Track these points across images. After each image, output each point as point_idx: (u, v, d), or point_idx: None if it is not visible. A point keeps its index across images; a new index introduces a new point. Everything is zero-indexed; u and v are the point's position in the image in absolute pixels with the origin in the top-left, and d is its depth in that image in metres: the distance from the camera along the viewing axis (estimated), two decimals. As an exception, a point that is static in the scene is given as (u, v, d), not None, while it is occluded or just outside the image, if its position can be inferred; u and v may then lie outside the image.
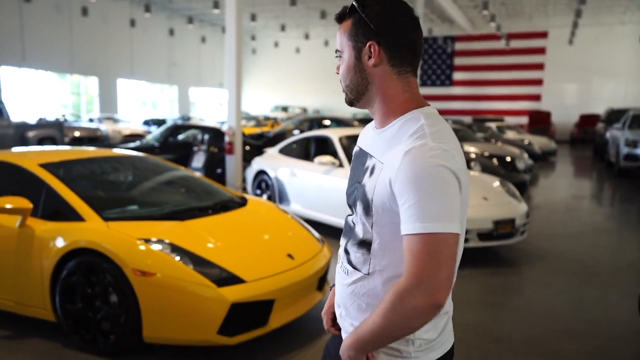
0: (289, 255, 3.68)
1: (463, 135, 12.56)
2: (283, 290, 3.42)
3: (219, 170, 9.87)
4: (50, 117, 19.88)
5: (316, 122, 15.87)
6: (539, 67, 29.68)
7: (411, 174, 1.17)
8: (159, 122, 22.78)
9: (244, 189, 8.88)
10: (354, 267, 1.37)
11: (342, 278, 1.42)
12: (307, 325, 3.88)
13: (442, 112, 1.51)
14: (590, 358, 3.53)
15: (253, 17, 24.90)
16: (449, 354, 1.40)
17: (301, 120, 16.11)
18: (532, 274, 5.35)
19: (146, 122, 23.12)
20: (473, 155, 10.01)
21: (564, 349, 3.63)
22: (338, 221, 6.37)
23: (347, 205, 1.45)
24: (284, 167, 7.38)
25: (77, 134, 16.85)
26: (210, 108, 36.54)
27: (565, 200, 9.98)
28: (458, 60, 31.48)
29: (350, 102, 1.41)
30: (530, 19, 28.52)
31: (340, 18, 1.37)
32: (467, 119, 23.95)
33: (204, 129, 11.23)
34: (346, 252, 1.41)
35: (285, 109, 33.34)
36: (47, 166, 3.84)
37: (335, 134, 7.01)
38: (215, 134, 10.72)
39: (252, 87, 36.62)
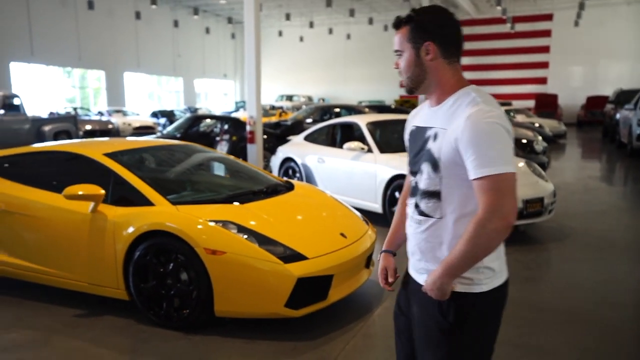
0: (342, 234, 3.90)
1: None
2: (340, 266, 3.64)
3: (240, 159, 10.08)
4: (60, 111, 20.07)
5: (327, 110, 16.04)
6: (545, 50, 29.72)
7: (473, 132, 1.55)
8: (167, 114, 22.97)
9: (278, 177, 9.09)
10: (427, 215, 1.73)
11: (415, 229, 1.78)
12: (359, 300, 4.12)
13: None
14: (631, 324, 3.75)
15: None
16: (506, 284, 1.76)
17: (312, 109, 16.27)
18: (562, 251, 5.57)
19: (154, 114, 23.31)
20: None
21: (605, 316, 3.86)
22: (369, 204, 6.58)
23: (410, 172, 1.83)
24: (311, 154, 7.58)
25: (88, 127, 17.04)
26: (215, 99, 36.67)
27: (582, 180, 10.17)
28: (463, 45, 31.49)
29: (410, 90, 1.77)
30: (535, 2, 28.48)
31: (397, 25, 1.74)
32: (474, 104, 24.01)
33: (224, 119, 11.44)
34: (417, 206, 1.76)
35: (290, 98, 33.41)
36: (111, 155, 4.06)
37: (362, 120, 7.20)
38: (235, 124, 10.94)
39: (257, 77, 36.71)
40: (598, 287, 4.47)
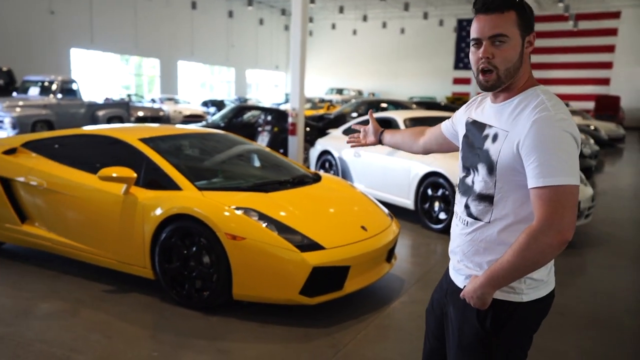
0: (363, 227, 3.95)
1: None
2: (357, 258, 3.69)
3: (281, 150, 10.24)
4: (115, 97, 20.87)
5: (374, 105, 15.99)
6: (610, 49, 28.53)
7: (539, 139, 1.45)
8: (217, 104, 23.47)
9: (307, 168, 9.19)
10: (475, 218, 1.66)
11: (461, 229, 1.72)
12: (377, 293, 4.16)
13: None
14: (654, 335, 3.65)
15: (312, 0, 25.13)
16: (551, 295, 1.69)
17: (359, 103, 16.24)
18: (596, 257, 5.41)
19: (205, 103, 23.85)
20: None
21: (625, 324, 3.77)
22: (401, 200, 6.58)
23: (463, 168, 1.75)
24: (347, 148, 7.62)
25: (140, 113, 17.65)
26: (266, 90, 37.14)
27: (633, 186, 9.78)
28: (521, 43, 30.51)
29: (498, 86, 1.58)
30: (603, -1, 27.33)
31: (500, 7, 1.54)
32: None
33: (267, 110, 11.63)
34: (467, 207, 1.69)
35: (340, 91, 33.44)
36: (145, 140, 4.25)
37: (399, 116, 7.19)
38: (278, 115, 11.09)
39: (308, 70, 36.63)
40: (624, 295, 4.35)
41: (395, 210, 6.48)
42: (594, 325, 3.74)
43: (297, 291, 3.46)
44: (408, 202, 6.49)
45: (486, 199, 1.62)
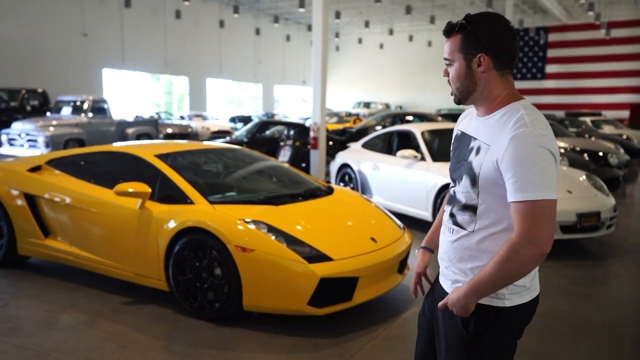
0: (372, 239, 3.98)
1: (554, 130, 12.13)
2: (366, 269, 3.72)
3: (303, 164, 10.33)
4: (145, 115, 21.37)
5: (399, 117, 15.97)
6: (644, 57, 27.76)
7: (517, 154, 1.51)
8: (245, 119, 23.78)
9: (328, 182, 9.25)
10: (460, 227, 1.72)
11: (447, 236, 1.78)
12: (388, 304, 4.18)
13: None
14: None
15: (337, 15, 25.33)
16: (535, 300, 1.73)
17: (383, 116, 16.24)
18: (618, 267, 5.30)
19: (232, 119, 24.19)
20: (562, 150, 9.78)
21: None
22: (419, 212, 6.58)
23: (451, 179, 1.81)
24: (367, 161, 7.67)
25: (169, 130, 18.02)
26: (294, 105, 37.48)
27: (662, 196, 9.52)
28: (551, 52, 30.04)
29: (459, 101, 1.73)
30: (635, 5, 26.65)
31: (448, 32, 1.67)
32: (560, 114, 22.97)
33: (290, 125, 11.77)
34: (452, 215, 1.76)
35: (367, 105, 33.42)
36: (161, 156, 4.39)
37: (417, 129, 7.20)
38: (300, 130, 11.21)
39: (335, 84, 37.06)
40: (645, 307, 4.25)
41: (414, 222, 6.48)
42: (609, 334, 3.67)
43: (306, 302, 3.50)
44: (426, 214, 6.47)
45: (470, 209, 1.68)
